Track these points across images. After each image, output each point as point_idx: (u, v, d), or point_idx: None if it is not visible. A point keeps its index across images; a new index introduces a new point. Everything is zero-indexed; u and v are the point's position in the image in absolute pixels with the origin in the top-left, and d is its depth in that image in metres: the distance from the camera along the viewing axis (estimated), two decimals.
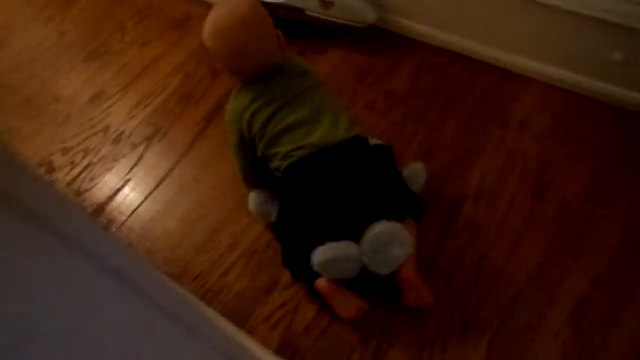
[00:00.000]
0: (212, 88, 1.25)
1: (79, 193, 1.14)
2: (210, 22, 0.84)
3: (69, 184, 1.16)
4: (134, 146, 1.19)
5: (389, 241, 0.79)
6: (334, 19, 1.19)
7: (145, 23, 1.44)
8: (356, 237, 0.81)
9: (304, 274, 0.88)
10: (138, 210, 1.09)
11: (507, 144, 1.03)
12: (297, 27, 1.26)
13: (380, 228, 0.80)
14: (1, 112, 1.33)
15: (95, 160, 1.19)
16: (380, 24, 1.23)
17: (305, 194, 0.85)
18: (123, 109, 1.27)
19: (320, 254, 0.81)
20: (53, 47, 1.45)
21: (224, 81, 1.24)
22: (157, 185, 1.12)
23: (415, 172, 0.93)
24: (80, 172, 1.17)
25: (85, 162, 1.19)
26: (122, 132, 1.22)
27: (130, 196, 1.11)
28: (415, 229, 0.88)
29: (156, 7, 1.47)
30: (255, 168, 0.94)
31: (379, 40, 1.24)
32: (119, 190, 1.13)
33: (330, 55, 1.25)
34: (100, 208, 1.10)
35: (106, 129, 1.24)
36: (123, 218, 1.08)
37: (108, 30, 1.44)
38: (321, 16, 1.20)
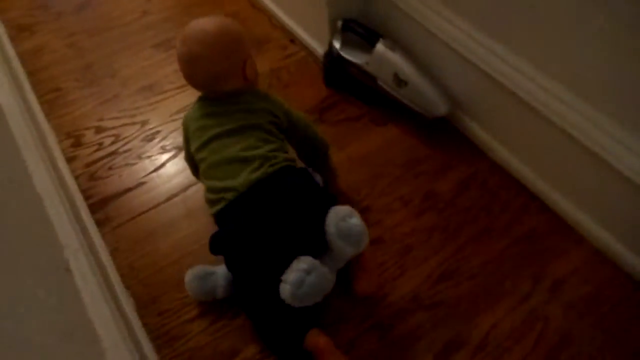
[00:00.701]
0: None
1: (92, 178, 1.11)
2: (186, 34, 0.85)
3: (87, 165, 1.14)
4: (163, 151, 1.16)
5: (346, 215, 0.80)
6: (403, 100, 1.13)
7: None
8: (315, 250, 0.81)
9: (293, 350, 0.80)
10: (138, 218, 1.05)
11: (532, 302, 0.92)
12: (365, 90, 1.20)
13: (334, 211, 0.80)
14: (59, 70, 1.34)
15: (121, 150, 1.17)
16: (449, 117, 1.15)
17: (249, 245, 0.81)
18: (168, 109, 1.24)
19: (286, 287, 0.76)
20: (132, 23, 1.46)
21: None
22: (167, 200, 1.08)
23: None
24: (103, 158, 1.15)
25: (111, 149, 1.17)
26: (157, 132, 1.20)
27: (137, 200, 1.08)
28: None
29: (241, 19, 1.46)
30: (193, 163, 0.93)
31: (441, 133, 1.16)
32: (129, 190, 1.09)
33: (387, 130, 1.18)
34: (104, 202, 1.07)
35: (144, 122, 1.22)
36: (121, 221, 1.04)
37: None
38: (391, 92, 1.13)
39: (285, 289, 0.76)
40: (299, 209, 0.82)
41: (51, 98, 1.28)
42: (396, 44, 1.13)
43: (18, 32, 1.45)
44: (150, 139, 1.19)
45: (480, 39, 0.99)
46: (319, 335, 0.80)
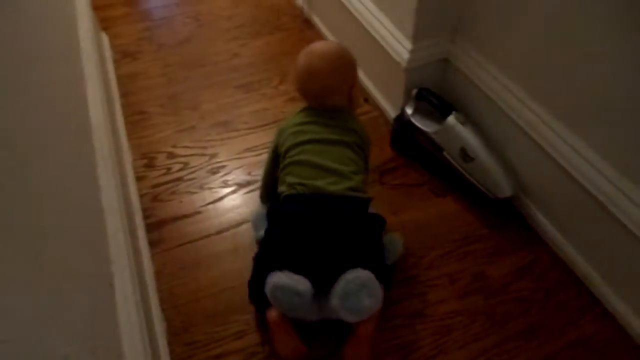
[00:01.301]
0: None
1: (155, 199, 1.17)
2: (308, 52, 0.98)
3: (153, 187, 1.20)
4: (224, 185, 1.21)
5: (360, 288, 0.82)
6: (467, 175, 1.10)
7: None
8: (318, 283, 0.84)
9: (259, 298, 0.89)
10: (188, 245, 1.08)
11: None
12: (429, 159, 1.19)
13: (354, 273, 0.83)
14: (148, 95, 1.45)
15: (186, 177, 1.23)
16: (512, 199, 1.11)
17: (288, 225, 0.90)
18: (237, 147, 1.30)
19: (274, 277, 0.84)
20: (221, 63, 1.56)
21: None
22: (218, 233, 1.11)
23: (392, 240, 0.99)
24: (168, 182, 1.21)
25: (178, 175, 1.23)
26: (223, 167, 1.25)
27: (190, 228, 1.11)
28: (382, 295, 0.87)
29: None
30: (271, 182, 1.02)
31: (501, 214, 1.12)
32: (185, 217, 1.14)
33: (445, 202, 1.16)
34: (161, 224, 1.12)
35: (213, 156, 1.28)
36: (171, 245, 1.08)
37: (270, 72, 1.51)
38: (456, 165, 1.12)
39: (272, 278, 0.84)
40: (347, 237, 0.89)
41: (136, 120, 1.38)
42: (468, 118, 1.12)
43: (122, 57, 1.60)
44: (214, 171, 1.24)
45: (555, 126, 0.96)
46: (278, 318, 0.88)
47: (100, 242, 0.78)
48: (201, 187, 1.20)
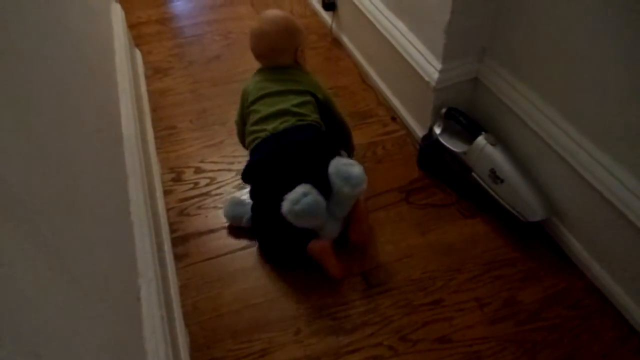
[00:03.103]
0: None
1: (181, 213, 1.18)
2: (258, 20, 1.16)
3: (180, 201, 1.21)
4: (249, 202, 1.21)
5: (346, 165, 1.00)
6: (497, 197, 1.08)
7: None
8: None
9: (291, 248, 1.03)
10: (213, 260, 1.08)
11: None
12: (458, 179, 1.17)
13: (334, 162, 1.01)
14: (178, 110, 1.48)
15: (213, 192, 1.23)
16: (544, 223, 1.08)
17: (262, 169, 1.06)
18: None
19: (286, 203, 0.97)
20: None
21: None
22: (242, 249, 1.10)
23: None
24: (195, 196, 1.22)
25: (205, 190, 1.24)
26: None
27: (215, 243, 1.12)
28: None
29: (350, 91, 1.52)
30: (243, 130, 1.17)
31: (533, 238, 1.09)
32: (211, 231, 1.14)
33: (474, 224, 1.13)
34: (187, 238, 1.13)
35: (239, 172, 1.28)
36: (197, 259, 1.08)
37: None
38: (485, 186, 1.10)
39: (285, 205, 0.97)
40: (311, 153, 1.04)
41: (165, 134, 1.40)
42: (498, 139, 1.10)
43: (154, 73, 1.64)
44: (241, 187, 1.24)
45: (589, 148, 0.93)
46: (318, 240, 1.01)
47: (128, 255, 0.79)
48: None
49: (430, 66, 1.17)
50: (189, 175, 1.28)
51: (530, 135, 1.06)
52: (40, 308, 0.42)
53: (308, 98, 1.12)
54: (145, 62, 1.68)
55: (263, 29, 1.12)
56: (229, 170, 1.29)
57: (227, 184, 1.26)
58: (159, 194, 1.19)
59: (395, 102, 1.42)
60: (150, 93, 1.55)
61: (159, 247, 0.98)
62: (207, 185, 1.25)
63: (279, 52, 1.14)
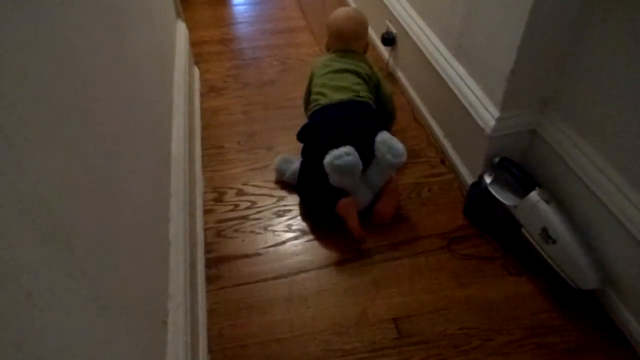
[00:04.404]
0: (389, 229, 1.19)
1: (218, 234, 1.18)
2: (337, 12, 1.40)
3: (219, 221, 1.21)
4: (287, 229, 1.19)
5: (391, 138, 1.16)
6: (547, 258, 1.02)
7: None
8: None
9: (324, 202, 1.16)
10: (244, 286, 1.07)
11: None
12: (505, 233, 1.11)
13: (381, 135, 1.17)
14: (228, 131, 1.50)
15: (252, 217, 1.23)
16: (596, 291, 1.01)
17: (317, 128, 1.24)
18: None
19: (329, 156, 1.12)
20: (300, 107, 1.58)
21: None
22: (275, 278, 1.09)
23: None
24: (234, 219, 1.22)
25: (244, 213, 1.24)
26: (289, 210, 1.24)
27: (248, 269, 1.10)
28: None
29: (401, 128, 1.50)
30: (307, 102, 1.38)
31: (583, 306, 1.01)
32: (245, 256, 1.13)
33: (519, 283, 1.07)
34: (220, 260, 1.12)
35: (280, 198, 1.28)
36: (228, 283, 1.07)
37: None
38: (535, 245, 1.03)
39: (327, 157, 1.11)
40: (361, 124, 1.21)
41: (212, 153, 1.42)
42: (552, 196, 1.04)
43: (209, 91, 1.68)
44: (280, 214, 1.23)
45: None
46: (346, 198, 1.14)
47: (161, 276, 0.78)
48: (265, 229, 1.20)
49: (487, 113, 1.13)
50: (230, 196, 1.28)
51: (589, 196, 0.99)
52: (63, 330, 0.41)
53: (365, 79, 1.31)
54: (202, 80, 1.73)
55: (347, 22, 1.36)
56: (270, 195, 1.29)
57: (267, 209, 1.25)
58: (199, 212, 1.20)
59: (446, 144, 1.38)
60: (203, 110, 1.58)
61: (192, 266, 0.98)
62: (247, 208, 1.25)
63: (355, 39, 1.37)
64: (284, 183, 1.32)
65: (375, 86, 1.34)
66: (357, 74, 1.30)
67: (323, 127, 1.22)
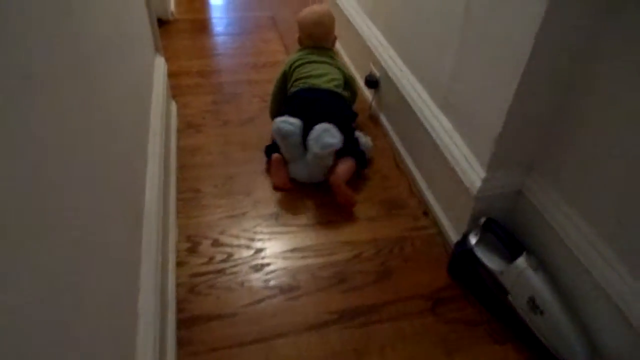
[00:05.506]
0: (371, 288, 1.14)
1: (192, 291, 1.11)
2: (306, 12, 1.57)
3: (192, 275, 1.15)
4: (265, 286, 1.13)
5: (325, 131, 1.31)
6: (534, 329, 0.99)
7: (364, 185, 1.43)
8: (305, 127, 1.36)
9: (270, 150, 1.43)
10: (218, 352, 1.00)
11: None
12: (491, 297, 1.08)
13: (323, 124, 1.32)
14: (205, 173, 1.43)
15: (228, 271, 1.16)
16: None
17: (294, 99, 1.46)
18: (284, 245, 1.24)
19: (278, 118, 1.36)
20: None
21: (379, 289, 1.12)
22: (252, 343, 1.02)
23: (363, 136, 1.49)
24: (209, 273, 1.15)
25: (220, 266, 1.17)
26: (267, 264, 1.19)
27: (223, 331, 1.04)
28: (353, 168, 1.39)
29: (383, 175, 1.47)
30: (277, 99, 1.57)
31: None
32: (220, 317, 1.06)
33: (504, 352, 1.03)
34: (193, 321, 1.05)
35: (258, 250, 1.22)
36: (200, 349, 1.00)
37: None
38: (522, 315, 1.01)
39: (277, 119, 1.35)
40: (331, 111, 1.41)
41: (188, 197, 1.35)
42: (540, 263, 1.02)
43: (186, 127, 1.62)
44: (258, 269, 1.17)
45: None
46: (278, 157, 1.39)
47: (126, 352, 0.71)
48: (241, 285, 1.13)
49: (473, 172, 1.11)
50: (205, 247, 1.22)
51: (577, 266, 0.97)
52: None
53: (338, 71, 1.52)
54: (179, 115, 1.67)
55: (320, 19, 1.54)
56: (248, 247, 1.23)
57: (244, 262, 1.19)
58: (171, 265, 1.13)
59: (429, 196, 1.35)
60: (180, 149, 1.52)
61: (162, 332, 0.90)
62: (222, 261, 1.19)
63: (326, 36, 1.56)
64: (263, 233, 1.26)
65: (347, 79, 1.55)
66: (332, 65, 1.52)
67: (301, 103, 1.42)
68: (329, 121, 1.33)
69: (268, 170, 1.44)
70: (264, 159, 1.49)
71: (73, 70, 0.64)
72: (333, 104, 1.44)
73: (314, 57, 1.51)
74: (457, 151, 1.17)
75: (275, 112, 1.54)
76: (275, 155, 1.37)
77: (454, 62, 1.17)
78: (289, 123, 1.32)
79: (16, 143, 0.44)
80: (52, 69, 0.56)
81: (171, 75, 1.73)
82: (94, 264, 0.62)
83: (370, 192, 1.41)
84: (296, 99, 1.44)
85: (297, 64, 1.51)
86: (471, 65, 1.10)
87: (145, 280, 0.84)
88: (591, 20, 0.86)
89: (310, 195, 1.38)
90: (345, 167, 1.36)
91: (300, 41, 1.60)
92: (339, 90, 1.47)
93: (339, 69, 1.53)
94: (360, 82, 1.78)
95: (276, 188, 1.37)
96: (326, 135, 1.29)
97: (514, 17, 0.92)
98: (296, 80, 1.48)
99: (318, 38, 1.55)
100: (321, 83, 1.44)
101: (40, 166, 0.49)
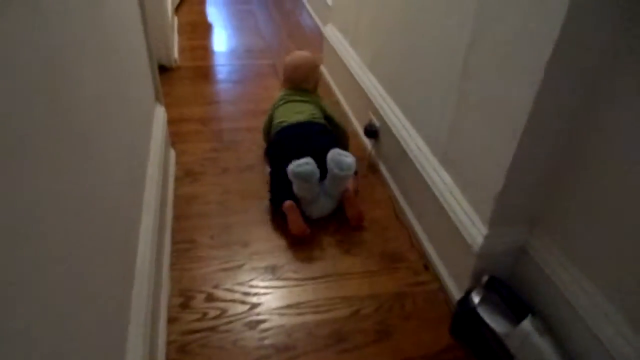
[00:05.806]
0: (370, 349, 1.10)
1: (182, 350, 1.06)
2: (290, 56, 1.74)
3: (184, 333, 1.10)
4: (259, 346, 1.09)
5: (340, 154, 1.40)
6: None
7: (363, 237, 1.41)
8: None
9: (278, 198, 1.40)
10: None
11: None
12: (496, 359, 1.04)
13: (333, 150, 1.41)
14: (202, 222, 1.41)
15: (221, 328, 1.12)
16: None
17: (281, 144, 1.53)
18: (281, 300, 1.20)
19: (291, 164, 1.37)
20: None
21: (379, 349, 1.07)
22: None
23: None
24: (201, 330, 1.11)
25: (213, 323, 1.13)
26: (262, 321, 1.14)
27: None
28: (357, 180, 1.53)
29: (382, 226, 1.44)
30: (267, 131, 1.68)
31: None
32: None
33: None
34: None
35: (254, 306, 1.18)
36: None
37: (329, 218, 1.45)
38: None
39: (290, 167, 1.36)
40: (318, 140, 1.49)
41: (183, 248, 1.32)
42: (546, 326, 0.98)
43: (184, 175, 1.61)
44: (252, 326, 1.13)
45: None
46: (291, 202, 1.37)
47: None
48: (234, 344, 1.09)
49: (474, 228, 1.09)
50: (199, 302, 1.18)
51: (584, 330, 0.93)
52: None
53: (319, 109, 1.62)
54: (178, 162, 1.66)
55: (300, 64, 1.69)
56: (243, 302, 1.19)
57: (238, 319, 1.15)
58: (162, 322, 1.08)
59: (430, 250, 1.33)
60: (177, 198, 1.50)
61: None
62: (216, 317, 1.14)
63: (306, 79, 1.69)
64: (259, 287, 1.22)
65: (328, 117, 1.64)
66: (312, 104, 1.63)
67: (286, 142, 1.51)
68: (315, 146, 1.44)
69: (276, 218, 1.43)
70: (263, 207, 1.47)
71: (68, 125, 0.63)
72: (313, 130, 1.53)
73: (295, 97, 1.64)
74: (458, 206, 1.15)
75: (265, 137, 1.72)
76: (288, 203, 1.36)
77: (453, 118, 1.16)
78: (304, 164, 1.35)
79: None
80: (49, 136, 0.55)
81: (172, 121, 1.74)
82: (77, 325, 0.59)
83: (370, 243, 1.38)
84: (281, 139, 1.54)
85: (278, 104, 1.65)
86: (470, 122, 1.09)
87: (133, 345, 0.80)
88: (589, 81, 0.86)
89: (309, 247, 1.35)
90: (351, 179, 1.44)
91: (284, 83, 1.73)
92: (317, 120, 1.57)
93: (319, 106, 1.63)
94: (360, 131, 1.78)
95: (295, 235, 1.35)
96: (341, 157, 1.38)
97: (513, 76, 0.92)
98: (278, 121, 1.58)
99: (298, 80, 1.68)
100: (300, 118, 1.55)
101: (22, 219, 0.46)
